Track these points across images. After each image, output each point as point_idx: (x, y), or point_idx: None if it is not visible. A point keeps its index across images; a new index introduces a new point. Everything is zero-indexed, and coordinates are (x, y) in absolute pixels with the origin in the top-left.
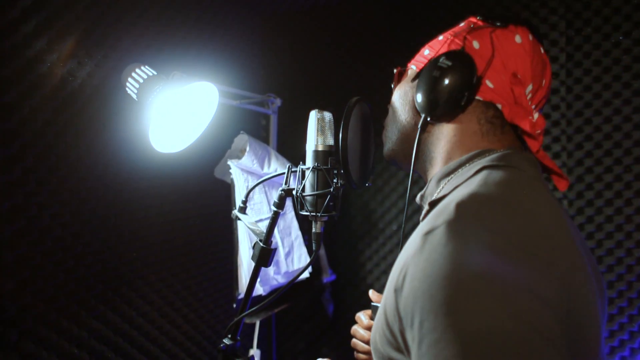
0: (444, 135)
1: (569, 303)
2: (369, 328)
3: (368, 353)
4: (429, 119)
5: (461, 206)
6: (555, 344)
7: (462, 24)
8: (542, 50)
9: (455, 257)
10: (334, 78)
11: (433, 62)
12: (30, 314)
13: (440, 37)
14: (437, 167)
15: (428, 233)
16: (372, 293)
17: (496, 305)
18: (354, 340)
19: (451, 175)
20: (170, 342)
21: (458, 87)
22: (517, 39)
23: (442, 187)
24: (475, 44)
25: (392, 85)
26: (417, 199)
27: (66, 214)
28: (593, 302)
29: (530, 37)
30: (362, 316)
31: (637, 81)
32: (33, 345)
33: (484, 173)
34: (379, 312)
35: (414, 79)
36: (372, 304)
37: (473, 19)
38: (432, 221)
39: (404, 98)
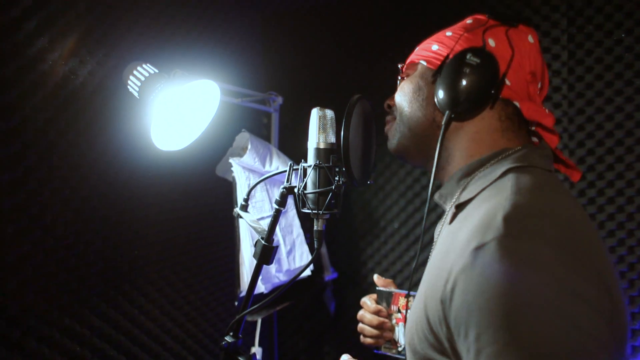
0: (465, 132)
1: (612, 305)
2: (375, 312)
3: (375, 337)
4: (453, 116)
5: (508, 220)
6: (605, 345)
7: (468, 21)
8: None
9: (512, 273)
10: (335, 76)
11: (458, 58)
12: (32, 313)
13: (448, 33)
14: (455, 165)
15: (478, 248)
16: (376, 278)
17: (553, 317)
18: (360, 325)
19: (473, 175)
20: (172, 340)
21: (486, 85)
22: (530, 39)
23: (465, 188)
24: (492, 42)
25: (398, 81)
26: (437, 197)
27: (68, 212)
28: (624, 302)
29: (537, 37)
30: (368, 301)
31: (639, 79)
32: (35, 344)
33: (512, 177)
34: (419, 316)
35: (433, 75)
36: (377, 288)
37: (481, 17)
38: (480, 235)
39: (418, 94)
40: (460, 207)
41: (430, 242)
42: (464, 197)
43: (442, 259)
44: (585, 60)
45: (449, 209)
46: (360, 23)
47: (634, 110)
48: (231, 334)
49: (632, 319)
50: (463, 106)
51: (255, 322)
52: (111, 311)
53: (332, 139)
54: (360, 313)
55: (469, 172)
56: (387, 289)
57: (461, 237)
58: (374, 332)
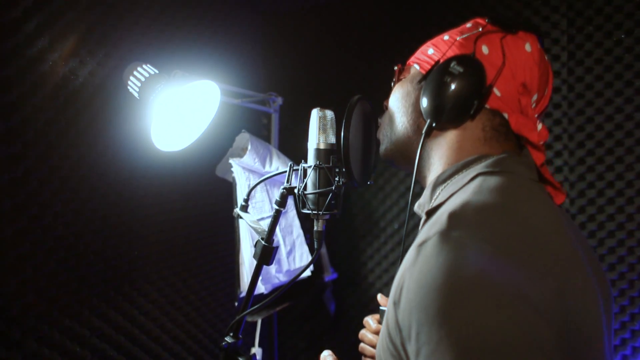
0: (446, 141)
1: (565, 310)
2: (377, 332)
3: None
4: (434, 124)
5: (453, 216)
6: (546, 350)
7: (468, 25)
8: (546, 58)
9: (447, 267)
10: (335, 76)
11: (443, 66)
12: (32, 313)
13: (446, 37)
14: (434, 173)
15: (421, 244)
16: (380, 297)
17: (488, 314)
18: (362, 345)
19: (447, 182)
20: (172, 341)
21: (468, 95)
22: (527, 47)
23: (438, 195)
24: (485, 49)
25: (393, 83)
26: (416, 207)
27: (68, 212)
28: (594, 308)
29: (538, 46)
30: (370, 320)
31: (639, 80)
32: (35, 344)
33: (478, 180)
34: (383, 325)
35: (420, 81)
36: (381, 308)
37: (481, 21)
38: (426, 232)
39: (406, 99)
40: (430, 214)
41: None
42: (435, 203)
43: (403, 262)
44: (585, 61)
45: (423, 217)
46: (360, 23)
47: (633, 111)
48: (231, 334)
49: (632, 320)
50: (445, 116)
51: (255, 323)
52: (111, 311)
53: (332, 140)
54: (362, 332)
55: (444, 180)
56: None
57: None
58: (375, 351)
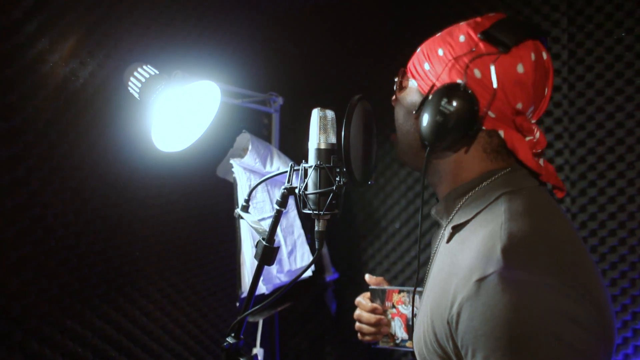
0: (450, 160)
1: (603, 323)
2: (371, 311)
3: (373, 334)
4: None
5: (506, 253)
6: None
7: (461, 38)
8: (545, 56)
9: (513, 303)
10: (336, 76)
11: (436, 99)
12: (34, 313)
13: (440, 52)
14: (446, 184)
15: (481, 280)
16: (368, 277)
17: (550, 340)
18: (358, 324)
19: (466, 195)
20: (174, 341)
21: (461, 126)
22: (520, 68)
23: (459, 208)
24: (477, 73)
25: (395, 87)
26: (433, 212)
27: (69, 213)
28: (612, 311)
29: (533, 56)
30: (363, 300)
31: (639, 78)
32: (37, 345)
33: (504, 201)
34: (426, 329)
35: (419, 106)
36: (371, 287)
37: (473, 35)
38: (482, 267)
39: (407, 118)
40: (457, 229)
41: (428, 246)
42: (460, 219)
43: (444, 279)
44: (585, 59)
45: (445, 226)
46: (360, 23)
47: (634, 109)
48: (233, 334)
49: (633, 319)
50: (442, 143)
51: (257, 323)
52: (112, 312)
53: (333, 140)
54: (357, 313)
55: (463, 193)
56: (381, 287)
57: (462, 263)
58: (372, 329)
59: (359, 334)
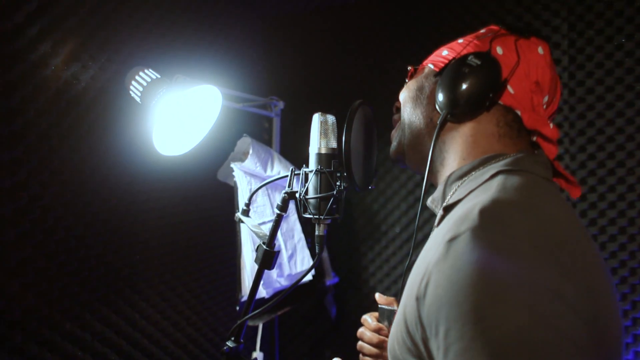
0: (460, 135)
1: (596, 309)
2: (376, 330)
3: (374, 356)
4: (449, 116)
5: (484, 212)
6: (581, 347)
7: (483, 30)
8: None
9: (482, 264)
10: (336, 81)
11: (460, 60)
12: (34, 316)
13: (460, 40)
14: (448, 168)
15: (452, 240)
16: (378, 297)
17: (524, 311)
18: (360, 343)
19: (464, 178)
20: (173, 345)
21: (484, 88)
22: (540, 50)
23: (455, 191)
24: (499, 50)
25: (406, 83)
26: (429, 202)
27: (70, 216)
28: (617, 311)
29: (549, 51)
30: (369, 318)
31: (639, 83)
32: (37, 347)
33: (500, 178)
34: (398, 320)
35: (436, 75)
36: (380, 306)
37: (494, 27)
38: (455, 227)
39: (421, 92)
40: (447, 209)
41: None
42: (453, 199)
43: (422, 257)
44: (586, 65)
45: (439, 212)
46: (362, 28)
47: (634, 115)
48: (233, 338)
49: (634, 324)
50: (460, 107)
51: (257, 327)
52: (112, 315)
53: (334, 144)
54: (361, 330)
55: (461, 176)
56: (389, 307)
57: (441, 234)
58: (374, 350)
59: (360, 355)
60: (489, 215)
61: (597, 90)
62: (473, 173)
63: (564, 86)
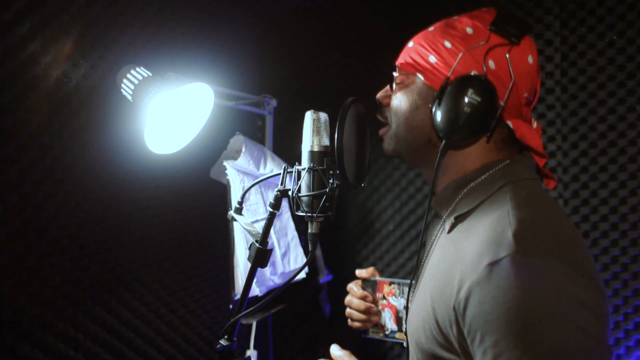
0: (460, 153)
1: (607, 311)
2: (362, 298)
3: (362, 321)
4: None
5: (518, 237)
6: (604, 343)
7: (468, 29)
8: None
9: (526, 287)
10: (329, 79)
11: (459, 90)
12: (26, 316)
13: (447, 44)
14: (448, 177)
15: (493, 264)
16: (358, 272)
17: (562, 323)
18: (348, 310)
19: (467, 186)
20: (167, 344)
21: (485, 119)
22: (530, 59)
23: (461, 197)
24: (492, 64)
25: (394, 85)
26: (434, 203)
27: (62, 215)
28: (605, 294)
29: (537, 52)
30: (354, 287)
31: (632, 80)
32: (29, 347)
33: (508, 189)
34: (425, 317)
35: (433, 99)
36: (364, 278)
37: (480, 26)
38: (492, 251)
39: (416, 112)
40: (459, 219)
41: (418, 243)
42: (462, 208)
43: (448, 267)
44: (578, 62)
45: (446, 217)
46: (354, 26)
47: (626, 112)
48: (226, 337)
49: (625, 319)
50: (460, 136)
51: (250, 325)
52: (106, 315)
53: (326, 142)
54: (348, 298)
55: (464, 184)
56: (372, 278)
57: (469, 249)
58: (362, 316)
59: (349, 320)
60: (523, 241)
61: (589, 87)
62: (475, 181)
63: (556, 83)
